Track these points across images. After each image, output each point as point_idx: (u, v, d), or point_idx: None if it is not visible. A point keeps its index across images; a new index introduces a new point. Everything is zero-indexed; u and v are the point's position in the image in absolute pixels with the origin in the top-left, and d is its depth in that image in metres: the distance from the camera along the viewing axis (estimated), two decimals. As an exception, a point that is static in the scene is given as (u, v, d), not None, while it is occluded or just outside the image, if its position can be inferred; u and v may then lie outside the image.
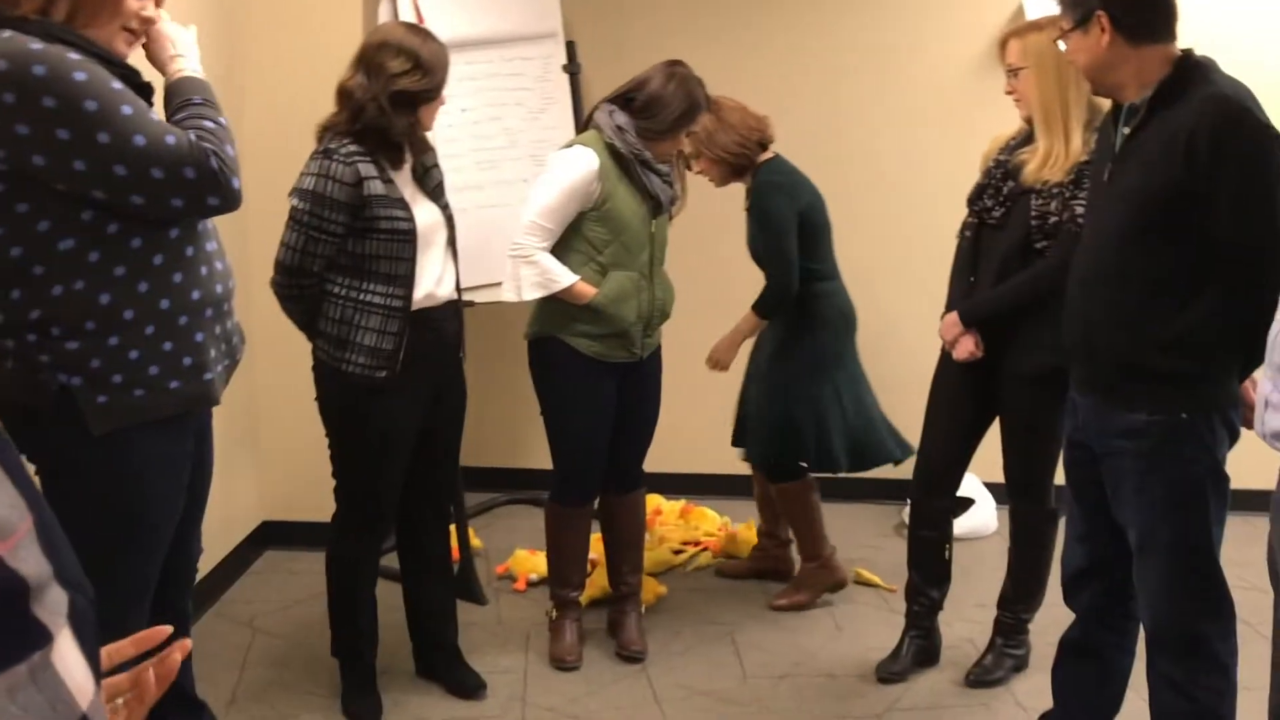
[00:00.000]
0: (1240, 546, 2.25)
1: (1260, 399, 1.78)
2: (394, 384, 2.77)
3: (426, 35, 2.79)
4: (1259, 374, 1.90)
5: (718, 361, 3.57)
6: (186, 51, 2.10)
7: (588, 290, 3.03)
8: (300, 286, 2.75)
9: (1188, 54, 2.17)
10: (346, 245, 2.72)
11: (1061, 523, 2.69)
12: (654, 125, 3.04)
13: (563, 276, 3.03)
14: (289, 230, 2.71)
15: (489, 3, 4.01)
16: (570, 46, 4.19)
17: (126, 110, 1.85)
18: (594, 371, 3.12)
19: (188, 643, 1.03)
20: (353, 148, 2.68)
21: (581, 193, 3.02)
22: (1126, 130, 2.21)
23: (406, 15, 3.72)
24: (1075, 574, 2.51)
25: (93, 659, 0.66)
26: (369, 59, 2.71)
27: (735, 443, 3.77)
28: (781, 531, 3.84)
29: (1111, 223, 2.22)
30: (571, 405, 3.17)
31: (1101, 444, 2.29)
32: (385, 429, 2.82)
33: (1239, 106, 2.06)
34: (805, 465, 3.55)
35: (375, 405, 2.78)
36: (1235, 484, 2.23)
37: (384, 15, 3.77)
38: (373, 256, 2.72)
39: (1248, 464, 2.27)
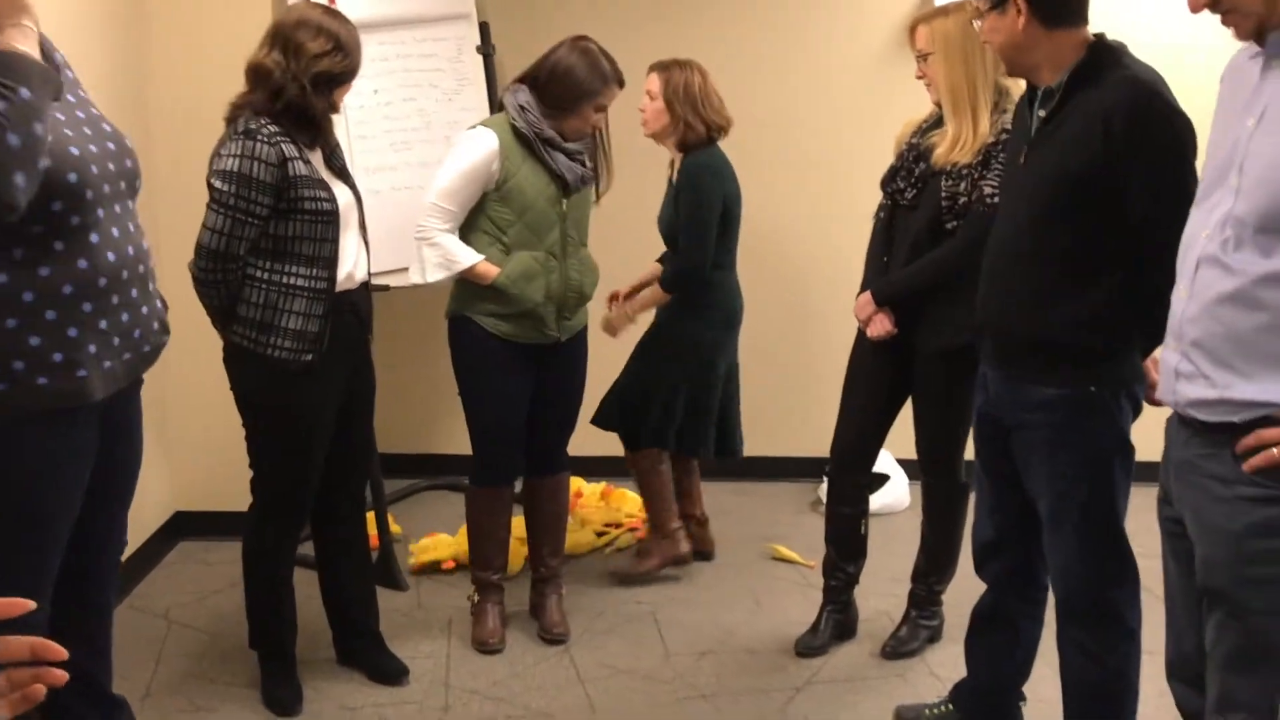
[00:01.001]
0: (1135, 515, 2.33)
1: (1169, 371, 1.84)
2: (317, 368, 2.74)
3: (342, 17, 2.76)
4: (1158, 352, 1.96)
5: (611, 325, 3.66)
6: (10, 13, 1.89)
7: (490, 270, 3.03)
8: (225, 271, 2.67)
9: (1100, 38, 2.22)
10: (269, 228, 2.67)
11: (972, 496, 2.75)
12: (558, 101, 3.02)
13: (464, 257, 3.03)
14: (213, 214, 2.64)
15: (401, -17, 3.96)
16: (484, 28, 4.16)
17: None
18: (505, 352, 3.11)
19: (62, 675, 1.01)
20: (274, 128, 2.63)
21: (481, 174, 3.01)
22: (1042, 113, 2.26)
23: (316, -5, 3.65)
24: (985, 545, 2.58)
25: None
26: (286, 37, 2.65)
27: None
28: (697, 510, 3.88)
29: (1028, 203, 2.27)
30: (484, 386, 3.17)
31: (1013, 418, 2.35)
32: (308, 414, 2.79)
33: (1152, 90, 2.12)
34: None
35: (298, 390, 2.75)
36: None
37: (293, -5, 3.70)
38: (295, 238, 2.68)
39: (1141, 438, 2.35)
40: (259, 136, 2.60)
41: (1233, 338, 1.72)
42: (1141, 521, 2.28)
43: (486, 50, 4.13)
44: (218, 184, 2.63)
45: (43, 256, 1.93)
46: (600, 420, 3.69)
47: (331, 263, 2.72)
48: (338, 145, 2.87)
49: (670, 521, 3.71)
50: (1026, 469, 2.36)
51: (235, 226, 2.63)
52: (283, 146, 2.63)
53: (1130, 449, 2.30)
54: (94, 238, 1.99)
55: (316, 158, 2.76)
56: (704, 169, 3.47)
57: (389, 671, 3.09)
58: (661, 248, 3.67)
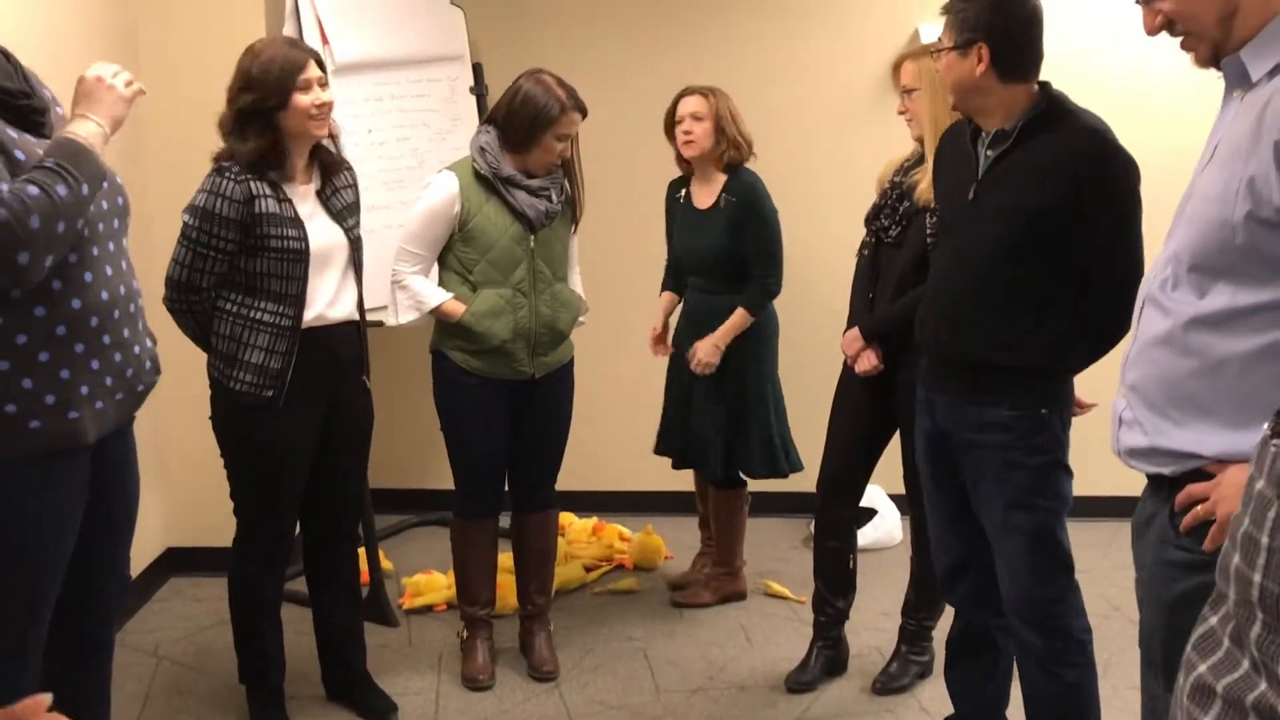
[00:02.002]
0: (1099, 551, 2.39)
1: (1115, 416, 1.78)
2: (283, 403, 2.76)
3: (270, 45, 2.74)
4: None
5: (706, 364, 3.53)
6: (86, 108, 2.03)
7: (457, 308, 3.07)
8: (189, 302, 2.73)
9: (1046, 86, 2.33)
10: (239, 263, 2.71)
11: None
12: (519, 135, 3.03)
13: (432, 297, 3.08)
14: (178, 246, 2.70)
15: (396, 25, 4.02)
16: (477, 69, 4.21)
17: None
18: (479, 387, 3.13)
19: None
20: (240, 167, 2.67)
21: (442, 216, 3.06)
22: (991, 153, 2.35)
23: (311, 39, 3.71)
24: (948, 570, 2.64)
25: None
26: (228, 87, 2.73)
27: (665, 454, 3.78)
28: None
29: (980, 235, 2.35)
30: (460, 420, 3.19)
31: (963, 438, 2.43)
32: (274, 448, 2.80)
33: (1109, 139, 2.24)
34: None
35: (264, 424, 2.77)
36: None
37: (288, 34, 3.75)
38: (263, 274, 2.71)
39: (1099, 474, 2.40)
40: (227, 174, 2.65)
41: (1166, 382, 1.63)
42: (1117, 558, 2.30)
43: (479, 91, 4.18)
44: (185, 217, 2.69)
45: (39, 296, 1.94)
46: (748, 470, 3.64)
47: (299, 300, 2.74)
48: (348, 186, 2.89)
49: (738, 559, 3.80)
50: (976, 489, 2.44)
51: (196, 260, 2.68)
52: (251, 185, 2.66)
53: (1070, 472, 2.40)
54: (88, 276, 2.01)
55: (303, 194, 2.78)
56: (764, 191, 3.54)
57: (377, 709, 3.08)
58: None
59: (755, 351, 3.59)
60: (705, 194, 3.60)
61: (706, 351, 3.53)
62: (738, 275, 3.55)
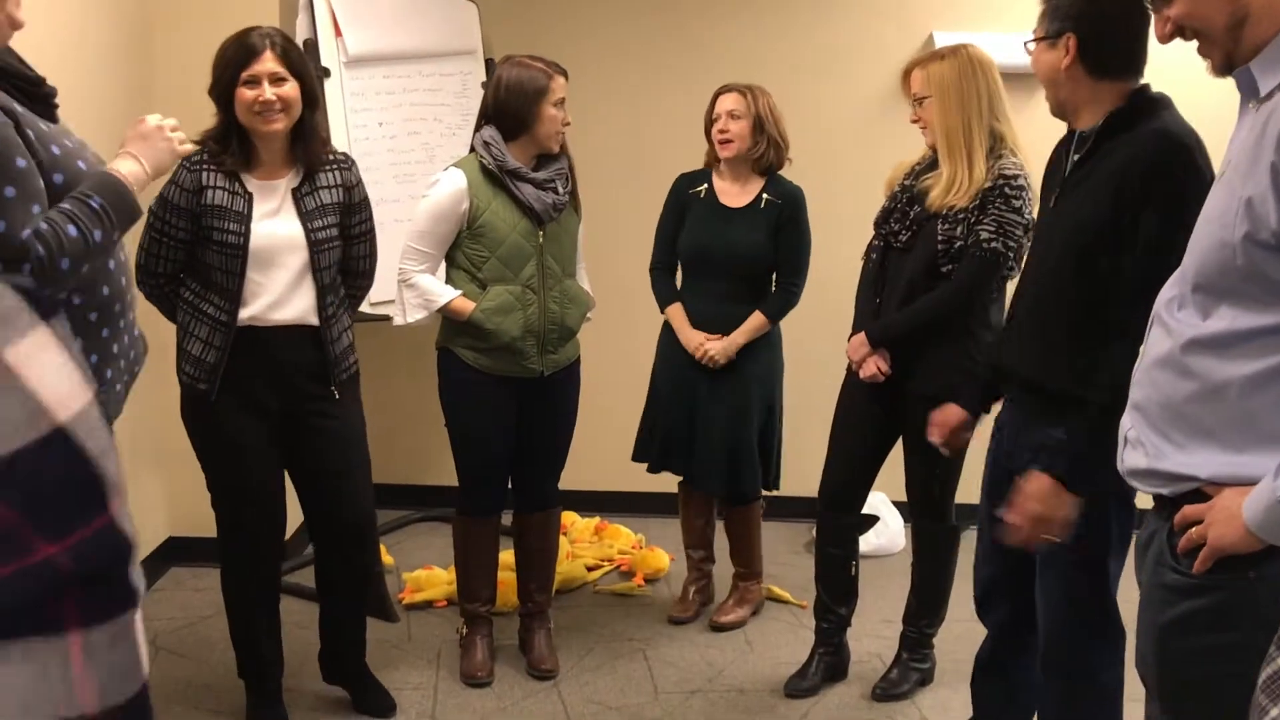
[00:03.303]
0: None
1: (1120, 435, 1.74)
2: (220, 398, 2.73)
3: (235, 34, 2.73)
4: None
5: (714, 360, 3.45)
6: (138, 149, 2.10)
7: (466, 306, 3.05)
8: (149, 285, 2.74)
9: (1143, 88, 2.18)
10: (196, 252, 2.71)
11: (972, 538, 2.72)
12: (517, 118, 3.01)
13: (441, 295, 3.06)
14: (143, 230, 2.71)
15: (408, 19, 4.01)
16: (489, 64, 4.21)
17: (9, 192, 1.84)
18: (486, 384, 3.11)
19: None
20: (205, 156, 2.68)
21: (450, 213, 3.04)
22: (1076, 158, 2.22)
23: (324, 31, 3.70)
24: (986, 591, 2.54)
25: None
26: None
27: (662, 468, 3.66)
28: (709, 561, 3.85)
29: (1050, 248, 2.24)
30: (465, 417, 3.17)
31: (1019, 459, 2.30)
32: (220, 442, 2.79)
33: (1179, 143, 2.05)
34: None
35: (206, 416, 2.77)
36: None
37: (302, 30, 3.75)
38: (208, 266, 2.71)
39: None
40: (185, 163, 2.65)
41: (1166, 403, 1.59)
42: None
43: (493, 86, 4.17)
44: (152, 203, 2.70)
45: (77, 283, 1.96)
46: (740, 491, 3.56)
47: (236, 296, 2.69)
48: (331, 186, 2.78)
49: (760, 564, 3.77)
50: None
51: (153, 244, 2.70)
52: (204, 174, 2.65)
53: (1130, 508, 2.23)
54: (111, 264, 2.04)
55: (272, 189, 2.72)
56: (805, 201, 3.48)
57: (376, 705, 3.07)
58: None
59: (768, 362, 3.53)
60: (737, 193, 3.50)
61: (721, 350, 3.45)
62: (755, 278, 3.49)
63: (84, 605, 0.57)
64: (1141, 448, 1.64)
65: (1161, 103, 2.15)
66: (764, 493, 3.66)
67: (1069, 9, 2.14)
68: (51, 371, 0.55)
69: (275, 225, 2.72)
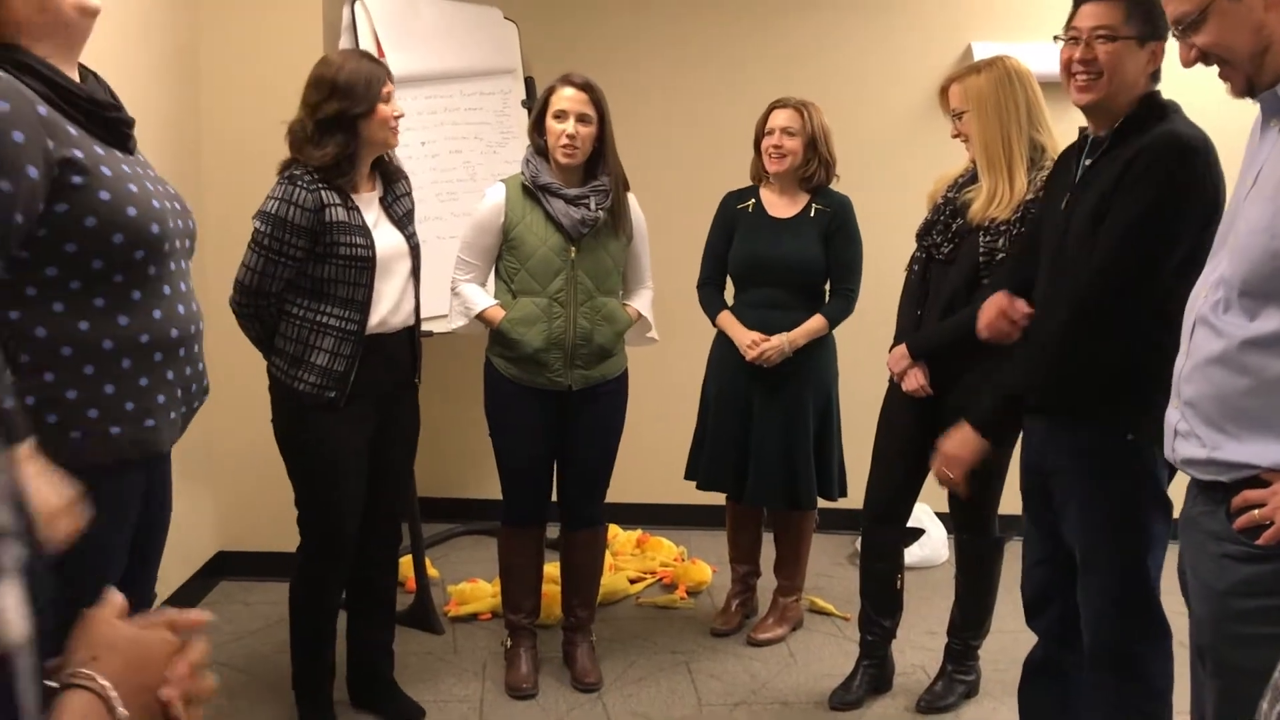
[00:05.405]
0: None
1: (1170, 427, 1.84)
2: (341, 406, 2.81)
3: (350, 57, 2.81)
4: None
5: (768, 359, 3.42)
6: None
7: (498, 315, 3.14)
8: (256, 306, 2.79)
9: (1154, 93, 2.24)
10: (306, 269, 2.76)
11: (1008, 549, 2.73)
12: (536, 140, 3.14)
13: (478, 303, 3.16)
14: (249, 251, 2.76)
15: (449, 39, 4.07)
16: (529, 82, 4.26)
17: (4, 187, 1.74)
18: (518, 394, 3.16)
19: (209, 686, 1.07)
20: (313, 176, 2.73)
21: (489, 226, 3.14)
22: (1088, 162, 2.27)
23: (366, 50, 3.76)
24: (1034, 597, 2.55)
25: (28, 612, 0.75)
26: (302, 96, 2.78)
27: (711, 487, 3.64)
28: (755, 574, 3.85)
29: (1065, 249, 2.27)
30: (500, 425, 3.24)
31: (1052, 464, 2.35)
32: (332, 450, 2.84)
33: (1188, 145, 2.11)
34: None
35: (322, 425, 2.81)
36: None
37: (344, 47, 3.81)
38: (331, 280, 2.77)
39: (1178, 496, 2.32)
40: (299, 183, 2.71)
41: (1221, 399, 1.71)
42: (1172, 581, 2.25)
43: (531, 104, 4.22)
44: (257, 224, 2.75)
45: (123, 305, 1.95)
46: (807, 497, 3.52)
47: (364, 306, 2.80)
48: (406, 195, 2.96)
49: (802, 582, 3.77)
50: (1063, 516, 2.35)
51: (268, 265, 2.74)
52: (322, 194, 2.72)
53: (1167, 504, 2.27)
54: (166, 289, 2.02)
55: (367, 202, 2.85)
56: (853, 208, 3.50)
57: (405, 713, 3.10)
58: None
59: (822, 370, 3.51)
60: (785, 205, 3.51)
61: (776, 348, 3.42)
62: (808, 286, 3.48)
63: None
64: (1195, 439, 1.76)
65: (1170, 108, 2.22)
66: (823, 503, 3.64)
67: (1160, 18, 2.14)
68: None
69: (382, 235, 2.84)
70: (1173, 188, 2.10)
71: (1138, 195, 2.12)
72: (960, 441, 2.38)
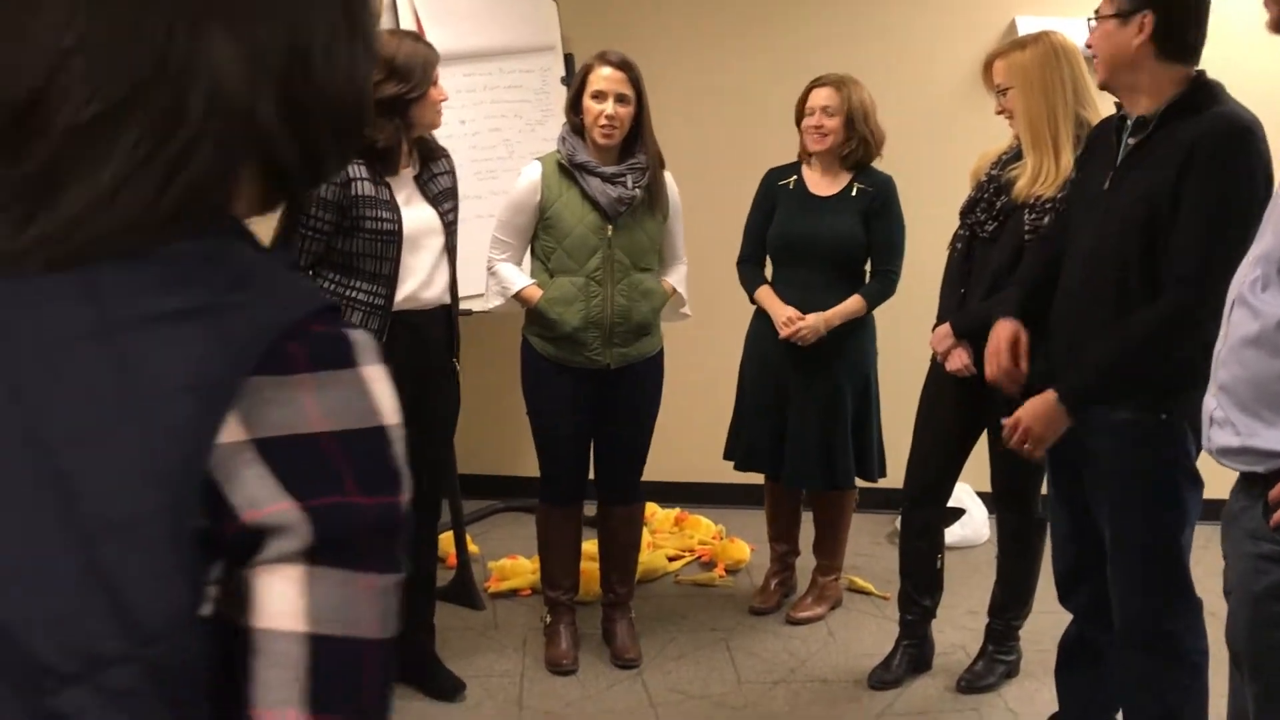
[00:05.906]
0: (1205, 552, 2.29)
1: (1206, 415, 1.77)
2: None
3: (404, 38, 2.84)
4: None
5: (804, 338, 3.37)
6: None
7: (535, 294, 3.13)
8: None
9: (1201, 74, 2.20)
10: (336, 243, 2.79)
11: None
12: (573, 118, 3.13)
13: (515, 283, 3.16)
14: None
15: (489, 16, 4.07)
16: (569, 59, 4.24)
17: None
18: (555, 372, 3.17)
19: None
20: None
21: (525, 204, 3.13)
22: (1132, 141, 2.23)
23: (406, 27, 3.77)
24: (1066, 575, 2.55)
25: None
26: None
27: (749, 468, 3.64)
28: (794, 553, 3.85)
29: (1108, 225, 2.24)
30: (538, 404, 3.25)
31: (1083, 443, 2.34)
32: None
33: (1247, 128, 2.09)
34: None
35: None
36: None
37: (385, 27, 3.82)
38: (359, 254, 2.80)
39: (1208, 474, 2.31)
40: None
41: (1256, 383, 1.63)
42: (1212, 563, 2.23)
43: (570, 81, 4.21)
44: None
45: None
46: (834, 482, 3.51)
47: (391, 281, 2.82)
48: (445, 172, 2.98)
49: (841, 562, 3.76)
50: (1094, 494, 2.35)
51: (296, 239, 2.76)
52: (350, 167, 2.73)
53: (1199, 482, 2.26)
54: None
55: (402, 180, 2.86)
56: (896, 188, 3.46)
57: (446, 688, 3.13)
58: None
59: (859, 350, 3.49)
60: (827, 183, 3.47)
61: (811, 328, 3.36)
62: (847, 265, 3.45)
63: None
64: (1231, 427, 1.68)
65: (1218, 88, 2.18)
66: (862, 483, 3.63)
67: None
68: (388, 392, 0.75)
69: (412, 211, 2.86)
70: (1247, 173, 2.08)
71: (1213, 185, 2.07)
72: (1046, 419, 2.29)
